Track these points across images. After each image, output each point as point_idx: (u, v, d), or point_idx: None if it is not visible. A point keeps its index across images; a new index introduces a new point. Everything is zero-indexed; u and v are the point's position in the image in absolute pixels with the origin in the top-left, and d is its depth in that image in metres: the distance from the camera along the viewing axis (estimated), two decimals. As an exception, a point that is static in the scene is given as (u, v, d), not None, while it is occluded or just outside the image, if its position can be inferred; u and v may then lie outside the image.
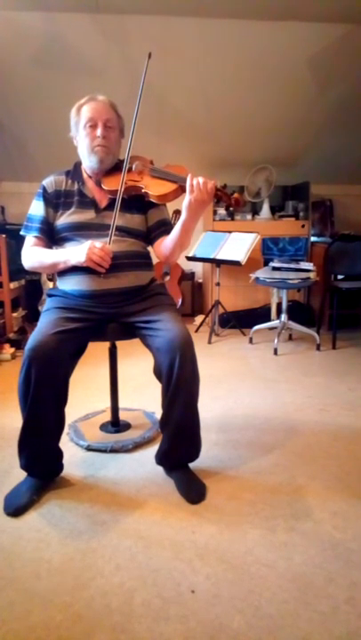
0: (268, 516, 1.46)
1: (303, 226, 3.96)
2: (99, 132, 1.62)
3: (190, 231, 1.59)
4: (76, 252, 1.58)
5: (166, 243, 1.67)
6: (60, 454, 1.63)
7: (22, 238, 1.73)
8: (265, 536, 1.37)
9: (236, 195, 1.60)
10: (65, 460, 1.65)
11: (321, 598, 1.15)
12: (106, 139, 1.63)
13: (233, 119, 3.77)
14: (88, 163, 1.67)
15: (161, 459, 1.66)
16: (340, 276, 3.70)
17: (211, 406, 2.31)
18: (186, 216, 1.53)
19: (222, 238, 3.62)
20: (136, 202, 1.68)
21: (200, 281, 4.45)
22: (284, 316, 3.37)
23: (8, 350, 3.08)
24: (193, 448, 1.64)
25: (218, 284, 3.69)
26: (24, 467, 1.57)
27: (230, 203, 1.59)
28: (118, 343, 1.88)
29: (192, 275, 4.37)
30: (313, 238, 4.19)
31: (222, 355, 3.24)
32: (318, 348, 3.31)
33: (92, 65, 3.24)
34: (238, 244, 3.50)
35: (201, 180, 1.48)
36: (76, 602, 1.14)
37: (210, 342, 3.53)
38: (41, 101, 3.46)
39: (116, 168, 1.68)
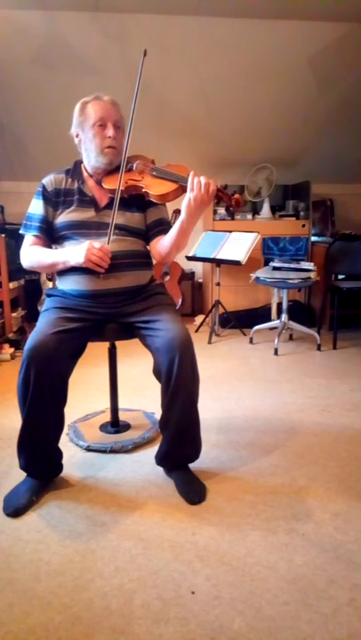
0: (268, 518, 1.45)
1: (304, 225, 3.95)
2: (110, 132, 1.61)
3: (188, 232, 1.58)
4: (74, 253, 1.57)
5: (163, 242, 1.66)
6: (59, 455, 1.62)
7: (21, 238, 1.72)
8: (266, 537, 1.36)
9: (236, 195, 1.59)
10: (64, 461, 1.65)
11: (322, 600, 1.14)
12: (116, 139, 1.63)
13: (233, 118, 3.77)
14: (95, 163, 1.65)
15: (161, 459, 1.66)
16: (340, 276, 3.70)
17: (211, 407, 2.30)
18: (184, 216, 1.52)
19: (222, 238, 3.62)
20: (136, 200, 1.67)
21: (200, 281, 4.45)
22: (284, 316, 3.37)
23: (7, 350, 3.07)
24: (193, 449, 1.63)
25: (218, 284, 3.68)
26: (23, 467, 1.56)
27: (231, 203, 1.58)
28: (118, 343, 1.87)
29: (192, 274, 4.37)
30: (313, 238, 4.18)
31: (222, 355, 3.23)
32: (319, 348, 3.31)
33: (92, 63, 3.23)
34: (238, 244, 3.50)
35: (203, 179, 1.46)
36: (75, 603, 1.13)
37: (210, 342, 3.52)
38: (40, 100, 3.46)
39: (117, 167, 1.67)
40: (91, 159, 1.66)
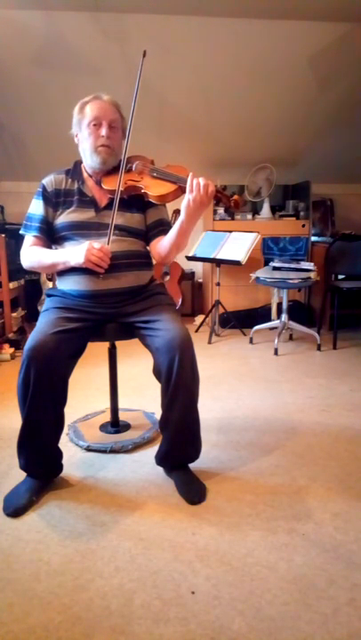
0: (268, 518, 1.45)
1: (304, 225, 3.95)
2: (103, 131, 1.61)
3: (188, 233, 1.58)
4: (74, 253, 1.57)
5: (163, 243, 1.67)
6: (59, 455, 1.62)
7: (21, 238, 1.72)
8: (266, 537, 1.36)
9: (235, 197, 1.59)
10: (64, 461, 1.65)
11: (322, 600, 1.14)
12: (110, 139, 1.62)
13: (233, 118, 3.77)
14: (90, 162, 1.66)
15: (161, 459, 1.66)
16: (340, 276, 3.70)
17: (211, 407, 2.30)
18: (184, 217, 1.52)
19: (222, 238, 3.62)
20: (136, 201, 1.68)
21: (200, 281, 4.45)
22: (284, 316, 3.37)
23: (7, 350, 3.07)
24: (193, 449, 1.63)
25: (218, 284, 3.68)
26: (23, 467, 1.57)
27: (230, 205, 1.58)
28: (118, 343, 1.87)
29: (192, 274, 4.37)
30: (313, 238, 4.18)
31: (222, 355, 3.23)
32: (319, 348, 3.31)
33: (92, 64, 3.23)
34: (238, 244, 3.50)
35: (202, 181, 1.47)
36: (75, 603, 1.13)
37: (210, 342, 3.52)
38: (40, 100, 3.46)
39: (116, 168, 1.67)
40: (87, 158, 1.67)
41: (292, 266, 3.37)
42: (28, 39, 3.06)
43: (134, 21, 3.00)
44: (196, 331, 3.83)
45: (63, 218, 1.66)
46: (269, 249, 3.83)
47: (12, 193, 4.10)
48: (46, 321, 1.54)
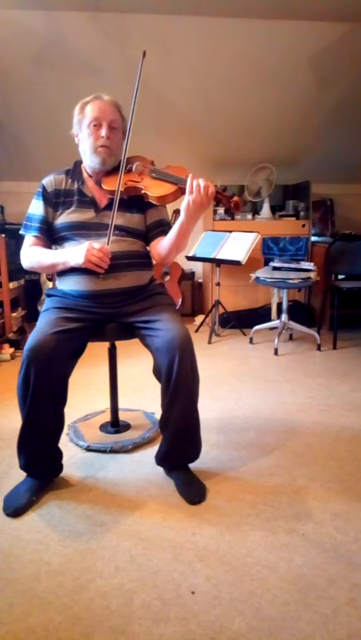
0: (268, 518, 1.45)
1: (304, 225, 3.95)
2: (103, 132, 1.61)
3: (188, 233, 1.58)
4: (74, 254, 1.57)
5: (163, 244, 1.66)
6: (59, 455, 1.62)
7: (21, 238, 1.72)
8: (266, 537, 1.36)
9: (235, 198, 1.59)
10: (64, 461, 1.65)
11: (322, 600, 1.14)
12: (110, 139, 1.63)
13: (233, 118, 3.77)
14: (90, 162, 1.67)
15: (161, 459, 1.66)
16: (340, 276, 3.70)
17: (211, 407, 2.31)
18: (184, 218, 1.52)
19: (222, 238, 3.62)
20: (136, 201, 1.68)
21: (200, 281, 4.45)
22: (284, 316, 3.37)
23: (7, 350, 3.07)
24: (193, 449, 1.64)
25: (218, 284, 3.68)
26: (23, 467, 1.57)
27: (230, 206, 1.58)
28: (118, 343, 1.87)
29: (192, 274, 4.37)
30: (313, 238, 4.18)
31: (222, 355, 3.23)
32: (319, 348, 3.31)
33: (92, 64, 3.23)
34: (238, 244, 3.50)
35: (202, 182, 1.46)
36: (75, 603, 1.13)
37: (210, 342, 3.52)
38: (40, 100, 3.46)
39: (116, 168, 1.67)
40: (86, 159, 1.67)
41: (292, 266, 3.37)
42: (28, 39, 3.06)
43: (134, 21, 3.01)
44: (196, 331, 3.83)
45: (63, 218, 1.66)
46: (269, 249, 3.83)
47: (12, 193, 4.10)
48: (46, 321, 1.54)
